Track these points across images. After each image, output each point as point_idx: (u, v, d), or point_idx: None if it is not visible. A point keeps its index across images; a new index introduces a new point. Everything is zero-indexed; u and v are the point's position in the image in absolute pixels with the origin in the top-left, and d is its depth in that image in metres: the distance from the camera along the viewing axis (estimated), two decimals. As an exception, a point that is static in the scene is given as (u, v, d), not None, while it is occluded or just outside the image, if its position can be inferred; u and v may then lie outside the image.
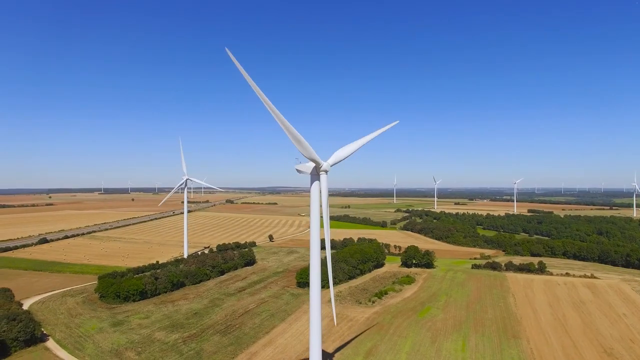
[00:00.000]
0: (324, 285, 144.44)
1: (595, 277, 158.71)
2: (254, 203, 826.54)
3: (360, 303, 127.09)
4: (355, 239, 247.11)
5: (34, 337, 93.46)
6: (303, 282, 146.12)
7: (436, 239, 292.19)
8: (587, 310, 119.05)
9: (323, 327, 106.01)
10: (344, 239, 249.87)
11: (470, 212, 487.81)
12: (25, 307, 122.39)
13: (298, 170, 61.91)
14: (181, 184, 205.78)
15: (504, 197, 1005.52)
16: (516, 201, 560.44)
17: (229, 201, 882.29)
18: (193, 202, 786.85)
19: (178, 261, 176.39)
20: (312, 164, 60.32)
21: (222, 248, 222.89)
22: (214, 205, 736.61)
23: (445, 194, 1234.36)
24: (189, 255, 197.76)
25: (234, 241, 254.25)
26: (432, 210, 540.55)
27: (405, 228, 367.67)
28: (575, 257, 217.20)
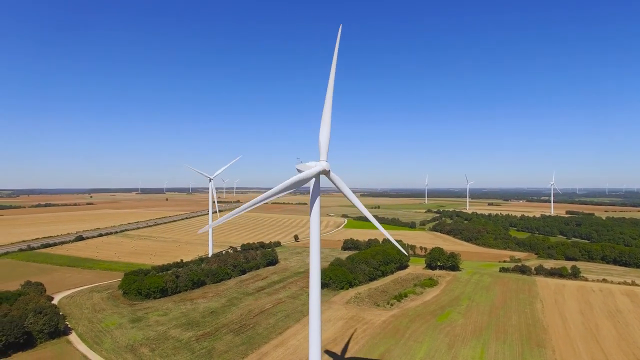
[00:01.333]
0: (343, 286, 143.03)
1: (636, 285, 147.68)
2: (283, 203, 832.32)
3: (379, 305, 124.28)
4: (380, 240, 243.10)
5: (57, 330, 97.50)
6: (322, 282, 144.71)
7: (465, 240, 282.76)
8: (624, 320, 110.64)
9: (337, 330, 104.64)
10: (369, 239, 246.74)
11: (504, 213, 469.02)
12: (55, 301, 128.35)
13: (298, 170, 60.40)
14: (203, 172, 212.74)
15: (542, 197, 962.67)
16: (553, 202, 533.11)
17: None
18: (224, 202, 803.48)
19: (201, 260, 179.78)
20: (313, 164, 58.84)
21: (246, 247, 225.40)
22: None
23: (479, 195, 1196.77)
24: (213, 255, 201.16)
25: (259, 241, 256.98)
26: (464, 211, 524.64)
27: (434, 229, 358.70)
28: (616, 262, 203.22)
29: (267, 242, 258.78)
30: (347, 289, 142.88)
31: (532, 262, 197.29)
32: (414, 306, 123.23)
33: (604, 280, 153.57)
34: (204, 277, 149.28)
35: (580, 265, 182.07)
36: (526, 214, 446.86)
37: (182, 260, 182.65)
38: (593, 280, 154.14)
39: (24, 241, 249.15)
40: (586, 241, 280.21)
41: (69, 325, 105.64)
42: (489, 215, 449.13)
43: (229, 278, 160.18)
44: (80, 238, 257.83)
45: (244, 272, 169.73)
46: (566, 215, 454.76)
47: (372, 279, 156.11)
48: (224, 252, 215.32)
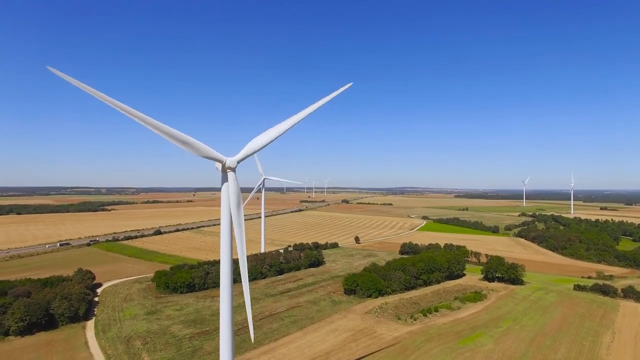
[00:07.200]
0: (371, 294, 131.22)
1: None
2: (367, 203, 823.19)
3: (400, 319, 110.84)
4: (442, 245, 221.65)
5: (77, 315, 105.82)
6: (349, 288, 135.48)
7: (550, 249, 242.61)
8: None
9: (337, 342, 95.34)
10: (429, 244, 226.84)
11: (617, 219, 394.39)
12: (101, 288, 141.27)
13: (217, 168, 55.72)
14: (259, 184, 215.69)
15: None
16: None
17: (345, 201, 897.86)
18: (309, 202, 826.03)
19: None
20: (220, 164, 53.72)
21: (298, 247, 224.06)
22: (328, 204, 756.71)
23: (596, 197, 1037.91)
24: (263, 253, 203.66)
25: (319, 241, 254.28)
26: (564, 215, 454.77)
27: (519, 235, 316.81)
28: None
29: (329, 242, 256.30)
30: (376, 297, 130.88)
31: (629, 280, 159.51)
32: (440, 323, 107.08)
33: None
34: (236, 276, 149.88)
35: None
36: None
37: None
38: None
39: (114, 233, 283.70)
40: None
41: (94, 312, 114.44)
42: (596, 221, 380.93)
43: (263, 278, 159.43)
44: (158, 232, 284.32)
45: (281, 273, 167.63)
46: None
47: (409, 288, 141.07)
48: (274, 251, 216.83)
